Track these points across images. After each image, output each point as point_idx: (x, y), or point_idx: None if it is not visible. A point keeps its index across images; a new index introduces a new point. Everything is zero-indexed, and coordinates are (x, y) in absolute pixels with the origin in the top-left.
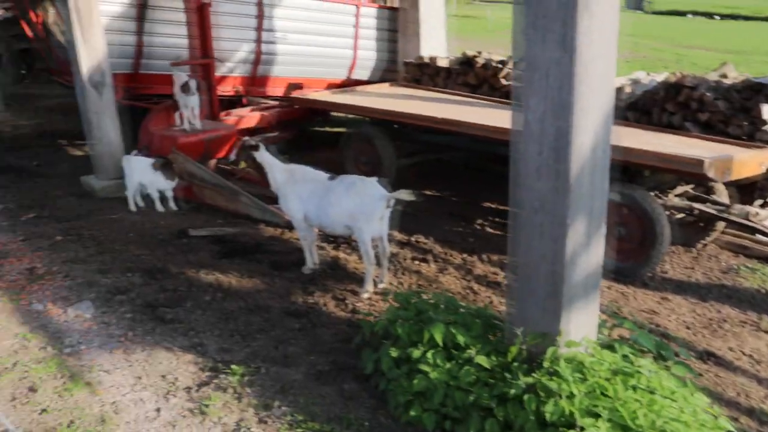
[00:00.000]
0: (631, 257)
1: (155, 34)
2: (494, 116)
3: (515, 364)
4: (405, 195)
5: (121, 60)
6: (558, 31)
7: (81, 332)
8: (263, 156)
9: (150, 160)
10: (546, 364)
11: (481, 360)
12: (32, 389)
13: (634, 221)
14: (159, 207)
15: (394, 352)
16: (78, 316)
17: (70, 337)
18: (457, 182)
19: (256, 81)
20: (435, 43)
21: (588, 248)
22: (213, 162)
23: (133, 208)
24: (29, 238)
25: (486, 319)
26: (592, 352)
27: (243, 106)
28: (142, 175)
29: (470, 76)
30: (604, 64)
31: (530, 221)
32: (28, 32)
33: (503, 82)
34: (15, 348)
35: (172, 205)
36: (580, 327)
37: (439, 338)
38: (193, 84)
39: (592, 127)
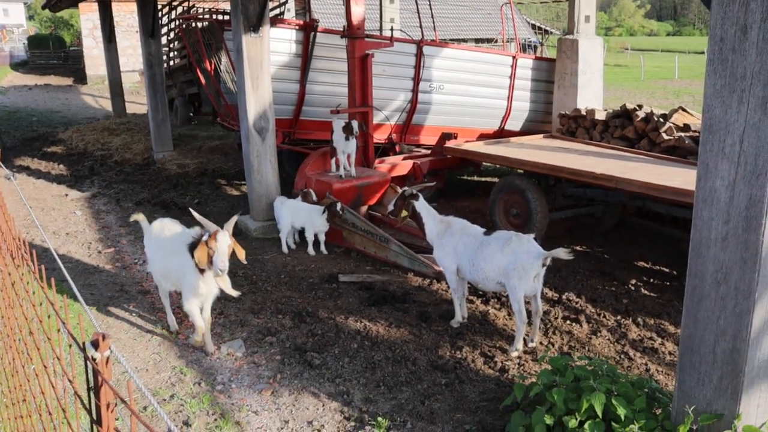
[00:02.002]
0: None
1: (316, 82)
2: (655, 173)
3: None
4: (563, 254)
5: (284, 106)
6: (758, 95)
7: (232, 370)
8: (421, 206)
9: (308, 205)
10: None
11: None
12: (186, 423)
13: None
14: (311, 250)
15: (548, 419)
16: (230, 354)
17: (222, 374)
18: (607, 239)
19: (410, 129)
20: (590, 94)
21: None
22: (364, 208)
23: (285, 249)
24: None
25: (649, 391)
26: None
27: (396, 153)
28: (298, 218)
29: (629, 130)
30: None
31: (710, 294)
32: (201, 78)
33: (664, 137)
34: (172, 381)
35: (323, 249)
36: (761, 411)
37: (599, 409)
38: (355, 125)
39: None
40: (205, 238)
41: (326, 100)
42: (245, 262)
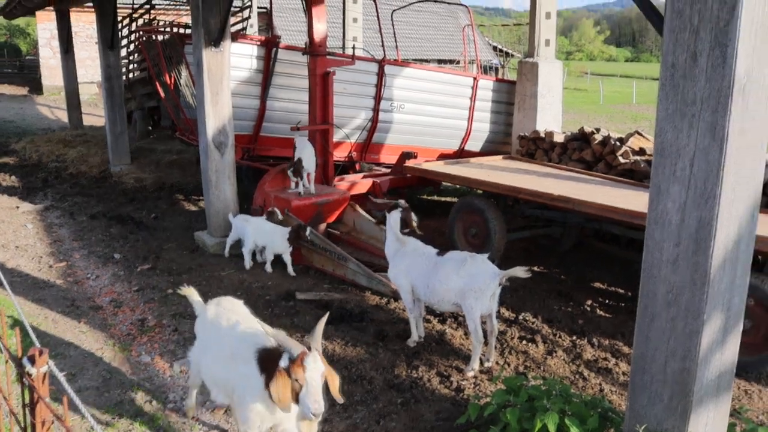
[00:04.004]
0: (757, 351)
1: (277, 99)
2: (611, 195)
3: None
4: (521, 272)
5: (244, 122)
6: (707, 120)
7: (184, 388)
8: (391, 218)
9: (273, 225)
10: None
11: None
12: None
13: (760, 313)
14: (268, 268)
15: None
16: (183, 372)
17: (174, 392)
18: (565, 259)
19: (370, 148)
20: (550, 117)
21: (723, 346)
22: (323, 226)
23: (248, 266)
24: (143, 289)
25: (602, 411)
26: None
27: (356, 171)
28: (262, 237)
29: (586, 153)
30: (755, 153)
31: (661, 314)
32: (160, 92)
33: (621, 160)
34: (122, 398)
35: (290, 270)
36: (709, 430)
37: (552, 428)
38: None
39: (737, 219)
40: (284, 363)
41: (287, 117)
42: (341, 400)
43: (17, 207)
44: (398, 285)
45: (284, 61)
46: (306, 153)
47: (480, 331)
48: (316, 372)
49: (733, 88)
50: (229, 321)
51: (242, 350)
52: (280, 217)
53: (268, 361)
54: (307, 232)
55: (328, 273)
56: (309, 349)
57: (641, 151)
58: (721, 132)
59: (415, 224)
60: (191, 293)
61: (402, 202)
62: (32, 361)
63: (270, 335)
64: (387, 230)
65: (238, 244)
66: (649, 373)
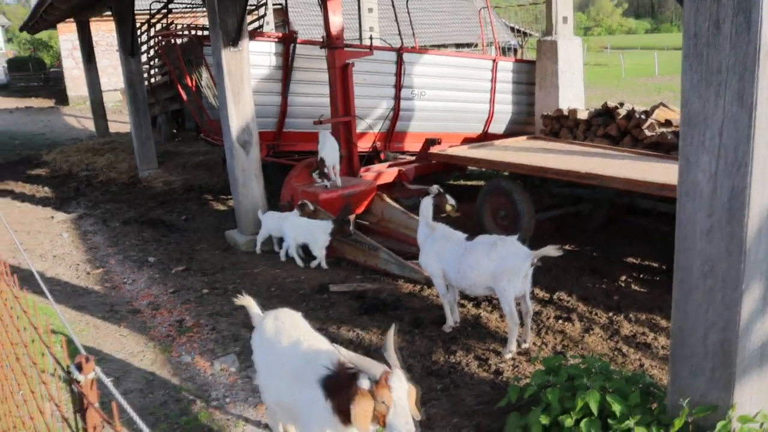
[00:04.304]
0: None
1: (298, 94)
2: (639, 169)
3: None
4: (552, 251)
5: (267, 119)
6: (734, 87)
7: (226, 386)
8: (423, 205)
9: (311, 221)
10: None
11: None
12: None
13: None
14: (323, 264)
15: (544, 419)
16: (223, 370)
17: (217, 390)
18: (596, 236)
19: (394, 137)
20: (572, 94)
21: (764, 315)
22: (352, 217)
23: (300, 263)
24: (178, 291)
25: (643, 386)
26: None
27: (381, 161)
28: (302, 233)
29: (611, 128)
30: None
31: (698, 286)
32: (182, 95)
33: (647, 133)
34: (167, 399)
35: (321, 263)
36: (755, 400)
37: (594, 407)
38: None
39: None
40: (366, 385)
41: (309, 111)
42: (421, 417)
43: (52, 217)
44: (429, 271)
45: (303, 56)
46: (327, 147)
47: (515, 312)
48: (403, 391)
49: (760, 54)
50: (290, 338)
51: (306, 373)
52: (311, 207)
53: (336, 386)
54: (351, 226)
55: (360, 264)
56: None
57: (667, 123)
58: (749, 99)
59: (450, 208)
60: (250, 304)
61: (435, 187)
62: (79, 368)
63: (343, 356)
64: (419, 218)
65: (270, 240)
66: (690, 346)
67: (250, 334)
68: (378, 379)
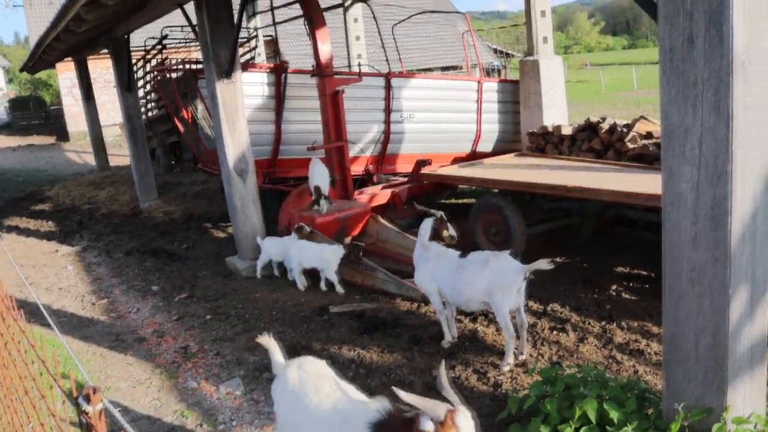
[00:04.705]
0: None
1: (291, 121)
2: (624, 180)
3: None
4: (544, 265)
5: (262, 147)
6: (711, 99)
7: (232, 409)
8: (423, 226)
9: (319, 245)
10: None
11: None
12: None
13: None
14: (300, 285)
15: (544, 429)
16: (229, 393)
17: (223, 414)
18: (586, 248)
19: (385, 159)
20: (555, 111)
21: (752, 318)
22: (348, 239)
23: (301, 287)
24: (182, 317)
25: (639, 392)
26: (762, 428)
27: (374, 184)
28: (310, 258)
29: (595, 142)
30: (762, 126)
31: (687, 293)
32: (179, 127)
33: (629, 146)
34: (175, 425)
35: (337, 287)
36: (747, 402)
37: (592, 415)
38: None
39: (751, 193)
40: (429, 427)
41: (302, 138)
42: None
43: (56, 250)
44: (425, 289)
45: (294, 85)
46: (318, 174)
47: (510, 326)
48: (471, 430)
49: (733, 65)
50: (318, 392)
51: (347, 428)
52: (308, 230)
53: None
54: (360, 252)
55: (358, 284)
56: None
57: (648, 135)
58: (725, 110)
59: (448, 237)
60: (272, 347)
61: (439, 213)
62: (87, 399)
63: (403, 399)
64: (417, 237)
65: (269, 265)
66: (682, 352)
67: (254, 357)
68: (443, 420)
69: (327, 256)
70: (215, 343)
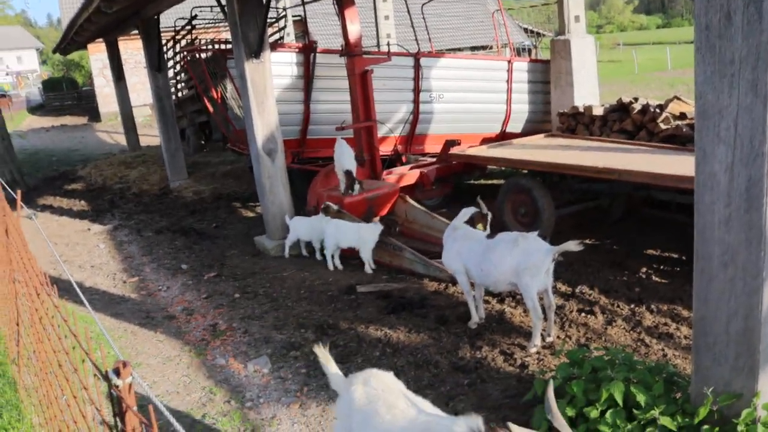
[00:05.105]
0: None
1: (320, 101)
2: (655, 162)
3: (705, 427)
4: (573, 246)
5: (290, 127)
6: (748, 78)
7: (260, 387)
8: (462, 212)
9: (356, 224)
10: (741, 428)
11: (666, 421)
12: None
13: None
14: (330, 265)
15: (570, 411)
16: (257, 371)
17: (251, 391)
18: (616, 230)
19: (414, 139)
20: (586, 91)
21: None
22: (376, 219)
23: (331, 267)
24: (211, 296)
25: (667, 376)
26: None
27: (402, 164)
28: (347, 237)
29: (627, 123)
30: None
31: (718, 275)
32: (209, 107)
33: (662, 126)
34: (203, 401)
35: (370, 265)
36: None
37: (619, 397)
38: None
39: None
40: None
41: (331, 118)
42: None
43: (89, 229)
44: (452, 269)
45: (323, 65)
46: (345, 156)
47: (538, 307)
48: None
49: None
50: (391, 409)
51: None
52: (335, 208)
53: None
54: (397, 229)
55: (386, 264)
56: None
57: (682, 116)
58: (763, 89)
59: (480, 228)
60: (327, 360)
61: (489, 214)
62: (117, 373)
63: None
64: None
65: (297, 244)
66: (712, 335)
67: (281, 335)
68: None
69: (365, 235)
70: (243, 321)
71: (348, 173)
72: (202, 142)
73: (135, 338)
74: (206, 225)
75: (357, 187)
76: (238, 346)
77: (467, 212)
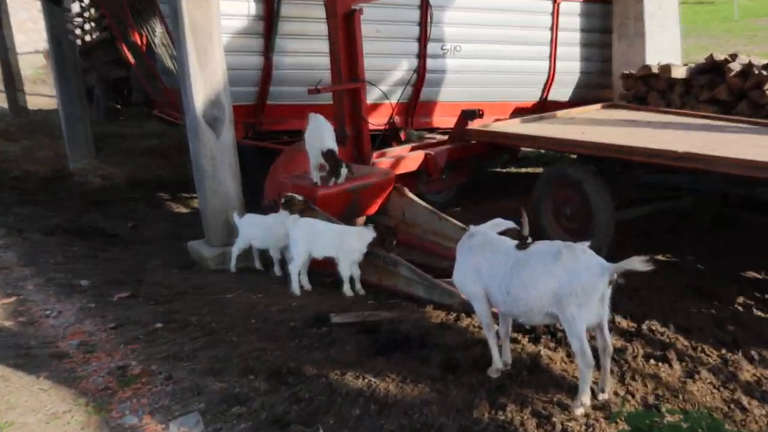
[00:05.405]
0: None
1: (287, 52)
2: (761, 146)
3: None
4: (639, 265)
5: (244, 88)
6: None
7: None
8: (498, 222)
9: (336, 225)
10: None
11: None
12: None
13: None
14: (348, 291)
15: None
16: None
17: None
18: (702, 243)
19: (418, 108)
20: (664, 45)
21: None
22: (361, 220)
23: (297, 291)
24: (122, 325)
25: None
26: None
27: (400, 142)
28: (325, 243)
29: (720, 90)
30: None
31: None
32: (128, 57)
33: None
34: None
35: (352, 287)
36: None
37: None
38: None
39: None
40: None
41: (301, 76)
42: None
43: None
44: (467, 292)
45: (292, 2)
46: (325, 132)
47: (588, 350)
48: None
49: None
50: None
51: None
52: (299, 199)
53: None
54: (394, 241)
55: (373, 284)
56: None
57: None
58: None
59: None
60: None
61: (526, 224)
62: None
63: None
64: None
65: (249, 253)
66: None
67: (220, 384)
68: None
69: (349, 241)
70: (166, 363)
71: (330, 153)
72: (117, 105)
73: (7, 386)
74: (118, 223)
75: (344, 171)
76: (158, 399)
77: (500, 225)
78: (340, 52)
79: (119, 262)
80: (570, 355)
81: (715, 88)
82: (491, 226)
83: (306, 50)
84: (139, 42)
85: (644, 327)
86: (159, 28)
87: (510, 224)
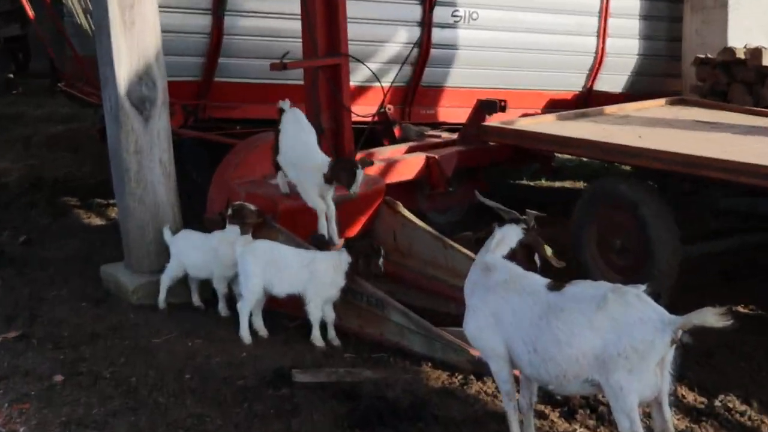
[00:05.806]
0: None
1: (243, 12)
2: None
3: None
4: (712, 318)
5: (184, 58)
6: None
7: None
8: (504, 234)
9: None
10: None
11: None
12: None
13: None
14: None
15: None
16: None
17: None
18: None
19: (418, 95)
20: (752, 20)
21: None
22: (340, 242)
23: (248, 339)
24: (7, 377)
25: None
26: None
27: (395, 141)
28: (282, 273)
29: None
30: None
31: None
32: (28, 11)
33: None
34: None
35: (332, 335)
36: None
37: None
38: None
39: None
40: None
41: (262, 45)
42: None
43: None
44: (482, 347)
45: None
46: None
47: (640, 430)
48: None
49: None
50: None
51: None
52: (252, 209)
53: None
54: (380, 261)
55: (352, 331)
56: None
57: None
58: None
59: (548, 259)
60: None
61: (532, 213)
62: None
63: None
64: (481, 250)
65: (184, 283)
66: None
67: None
68: None
69: (322, 273)
70: (66, 429)
71: (338, 163)
72: (10, 75)
73: None
74: (7, 237)
75: (360, 174)
76: None
77: (508, 234)
78: (315, 16)
79: (8, 292)
80: None
81: None
82: (499, 239)
83: (270, 11)
84: None
85: (718, 403)
86: None
87: (518, 230)
